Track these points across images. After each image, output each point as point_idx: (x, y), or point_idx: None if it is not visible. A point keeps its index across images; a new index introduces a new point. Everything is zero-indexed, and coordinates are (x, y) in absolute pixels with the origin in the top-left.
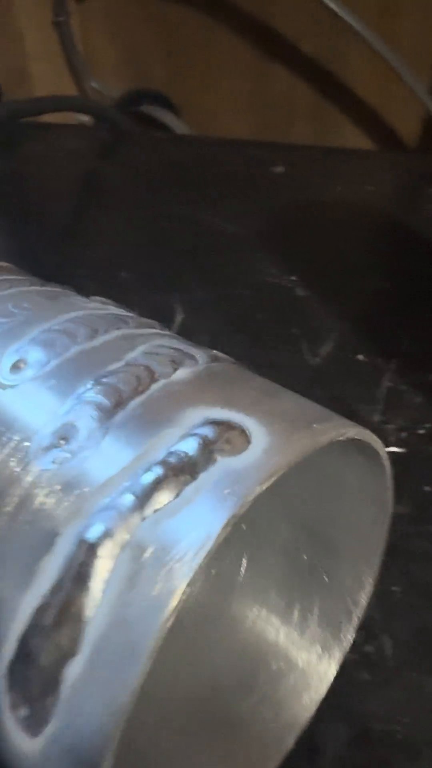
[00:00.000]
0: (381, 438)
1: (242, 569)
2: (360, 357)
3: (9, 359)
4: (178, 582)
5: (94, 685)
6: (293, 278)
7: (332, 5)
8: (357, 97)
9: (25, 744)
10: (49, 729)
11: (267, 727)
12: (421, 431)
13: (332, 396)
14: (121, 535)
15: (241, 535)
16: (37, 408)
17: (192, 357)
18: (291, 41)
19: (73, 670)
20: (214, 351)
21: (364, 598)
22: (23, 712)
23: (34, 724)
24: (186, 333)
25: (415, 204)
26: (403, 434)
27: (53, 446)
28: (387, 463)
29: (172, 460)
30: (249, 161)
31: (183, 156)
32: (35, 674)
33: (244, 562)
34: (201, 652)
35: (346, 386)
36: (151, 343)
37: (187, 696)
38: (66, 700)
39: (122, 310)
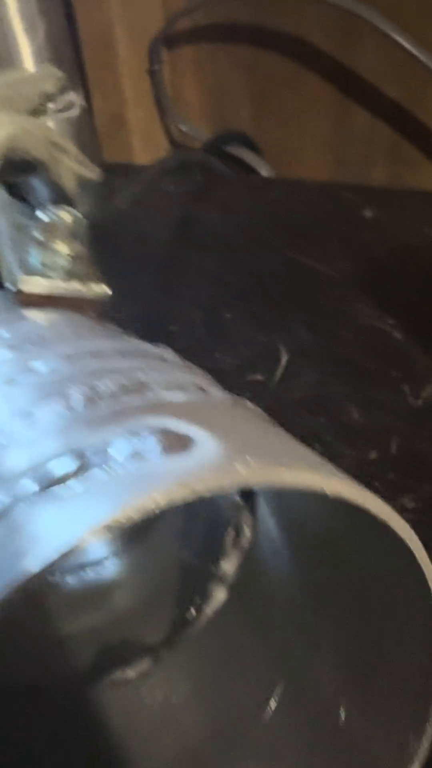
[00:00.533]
0: None
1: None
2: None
3: None
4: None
5: None
6: (390, 321)
7: (414, 50)
8: None
9: None
10: None
11: None
12: None
13: None
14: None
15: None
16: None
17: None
18: (372, 84)
19: None
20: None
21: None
22: None
23: None
24: (291, 374)
25: None
26: None
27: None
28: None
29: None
30: (339, 204)
31: (275, 198)
32: None
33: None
34: None
35: None
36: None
37: None
38: None
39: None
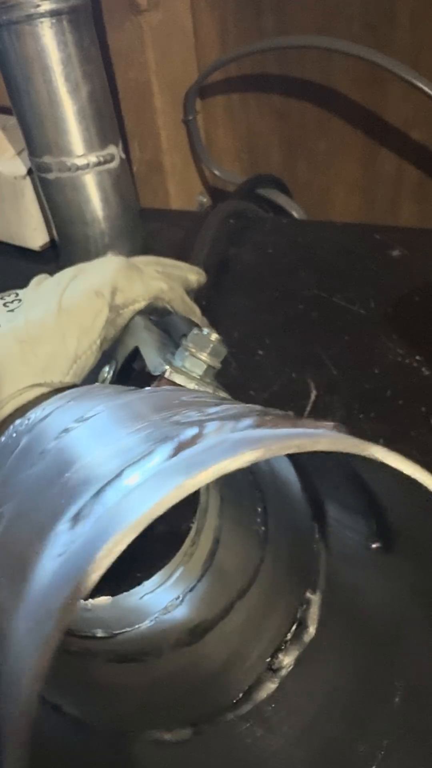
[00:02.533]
0: None
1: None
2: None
3: None
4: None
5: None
6: (419, 358)
7: None
8: None
9: None
10: None
11: None
12: None
13: None
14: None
15: None
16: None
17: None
18: (397, 128)
19: None
20: None
21: None
22: None
23: None
24: (321, 409)
25: None
26: None
27: None
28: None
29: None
30: (367, 244)
31: (306, 239)
32: None
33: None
34: None
35: None
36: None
37: None
38: None
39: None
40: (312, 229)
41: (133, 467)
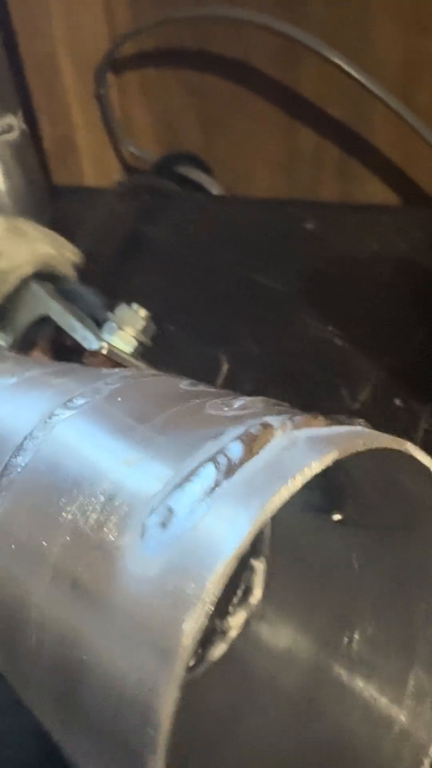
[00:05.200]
0: None
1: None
2: (397, 402)
3: None
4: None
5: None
6: (332, 330)
7: (354, 73)
8: (382, 156)
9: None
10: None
11: None
12: None
13: None
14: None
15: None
16: None
17: None
18: (316, 105)
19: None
20: None
21: None
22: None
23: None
24: (231, 383)
25: None
26: None
27: None
28: None
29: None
30: (283, 219)
31: (222, 216)
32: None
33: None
34: (306, 717)
35: (385, 430)
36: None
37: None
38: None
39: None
40: (228, 205)
41: (204, 472)
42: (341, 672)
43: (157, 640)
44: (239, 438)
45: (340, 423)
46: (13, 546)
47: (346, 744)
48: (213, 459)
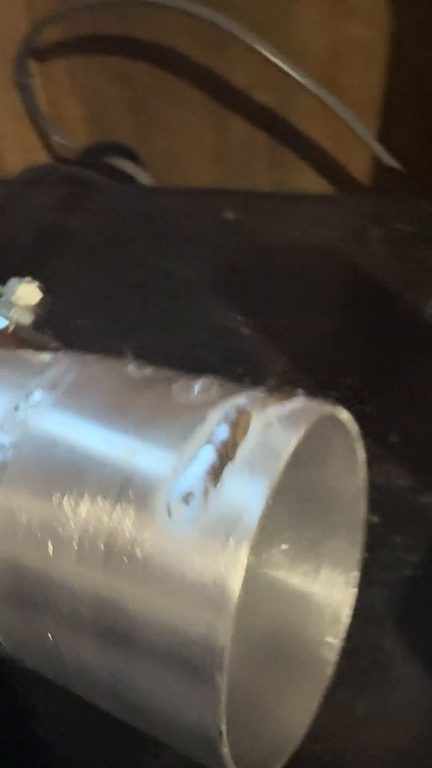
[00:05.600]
0: None
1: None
2: (300, 392)
3: None
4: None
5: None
6: (241, 319)
7: (277, 61)
8: (311, 143)
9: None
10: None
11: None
12: None
13: None
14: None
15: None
16: None
17: None
18: (244, 92)
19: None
20: None
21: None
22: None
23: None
24: None
25: (363, 244)
26: None
27: None
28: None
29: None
30: (204, 209)
31: (143, 206)
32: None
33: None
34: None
35: None
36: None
37: (252, 638)
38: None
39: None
40: (151, 194)
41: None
42: (269, 574)
43: (212, 591)
44: (224, 422)
45: (288, 397)
46: (21, 530)
47: (280, 629)
48: (209, 442)
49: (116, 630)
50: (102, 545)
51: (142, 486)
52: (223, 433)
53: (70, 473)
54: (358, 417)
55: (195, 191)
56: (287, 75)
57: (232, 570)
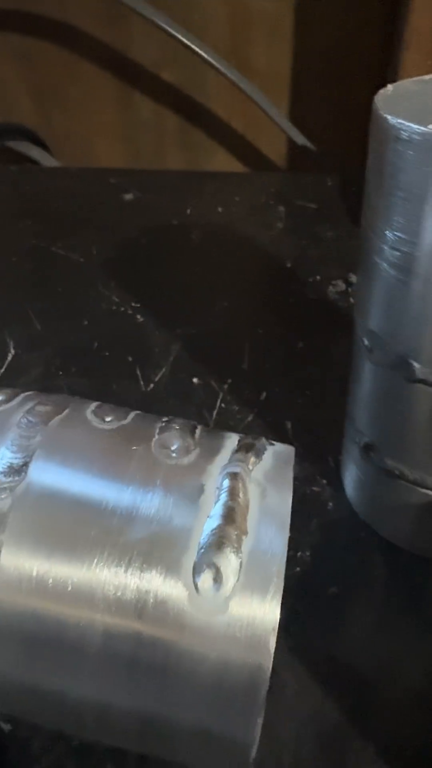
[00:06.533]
0: None
1: None
2: (195, 380)
3: None
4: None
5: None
6: (135, 305)
7: (182, 38)
8: (221, 123)
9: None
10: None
11: None
12: None
13: None
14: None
15: None
16: None
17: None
18: (149, 71)
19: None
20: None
21: None
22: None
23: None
24: (18, 368)
25: (265, 222)
26: None
27: None
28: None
29: (244, 445)
30: (101, 189)
31: (34, 187)
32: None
33: None
34: None
35: (178, 411)
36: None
37: None
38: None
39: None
40: (42, 176)
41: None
42: None
43: (249, 658)
44: (225, 491)
45: (264, 446)
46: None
47: None
48: (220, 515)
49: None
50: (135, 617)
51: (163, 559)
52: (228, 502)
53: (83, 547)
54: (254, 404)
55: (92, 171)
56: (193, 53)
57: (268, 644)
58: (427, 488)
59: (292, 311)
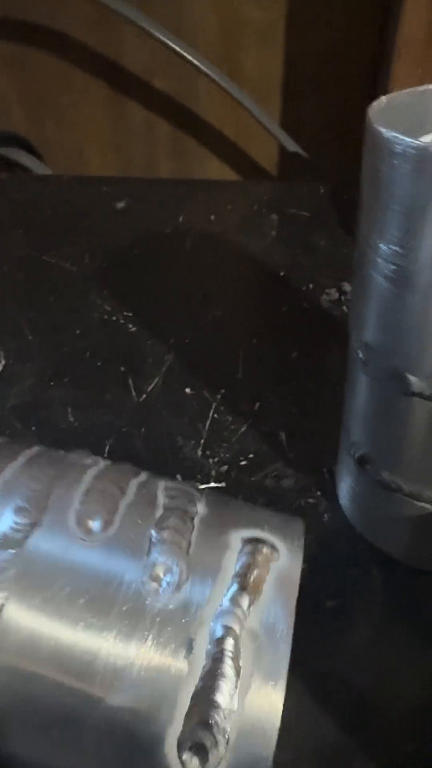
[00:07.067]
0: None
1: None
2: (188, 390)
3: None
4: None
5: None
6: (127, 314)
7: (174, 45)
8: (213, 130)
9: None
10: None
11: None
12: (243, 462)
13: (157, 433)
14: (238, 628)
15: None
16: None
17: (191, 494)
18: (141, 79)
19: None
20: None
21: None
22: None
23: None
24: (10, 378)
25: (258, 231)
26: (224, 468)
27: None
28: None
29: (242, 575)
30: (93, 198)
31: (25, 196)
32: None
33: None
34: None
35: (171, 422)
36: (160, 488)
37: None
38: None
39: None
40: (34, 184)
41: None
42: None
43: None
44: (213, 656)
45: (267, 567)
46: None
47: None
48: (207, 686)
49: None
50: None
51: (149, 735)
52: (214, 671)
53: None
54: (248, 415)
55: (83, 180)
56: (185, 60)
57: None
58: (423, 501)
59: (285, 320)
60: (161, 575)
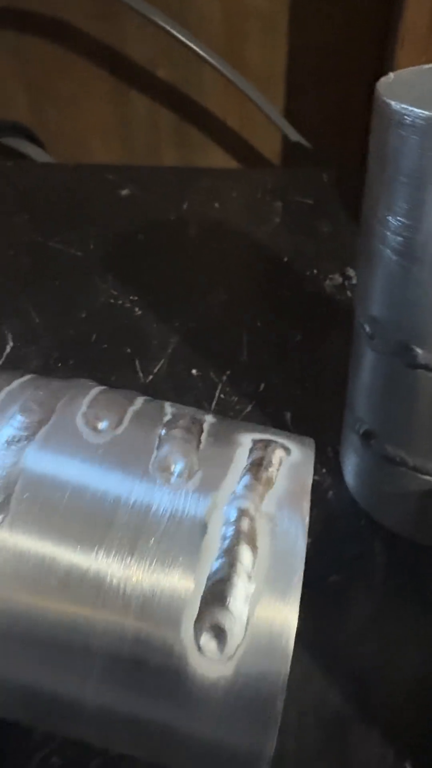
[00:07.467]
0: None
1: None
2: (194, 372)
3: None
4: (303, 519)
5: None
6: (133, 297)
7: (178, 34)
8: (216, 119)
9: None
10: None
11: None
12: None
13: None
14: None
15: None
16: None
17: (198, 409)
18: (144, 67)
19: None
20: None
21: None
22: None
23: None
24: (16, 361)
25: (262, 218)
26: None
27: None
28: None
29: (254, 466)
30: (97, 185)
31: (29, 183)
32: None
33: None
34: None
35: (178, 402)
36: (167, 403)
37: None
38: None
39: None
40: (39, 172)
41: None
42: None
43: (255, 721)
44: (229, 537)
45: (281, 460)
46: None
47: None
48: (224, 563)
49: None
50: (131, 679)
51: (162, 616)
52: (231, 548)
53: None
54: (253, 396)
55: (88, 167)
56: (188, 49)
57: (275, 706)
58: (428, 474)
59: (289, 304)
60: (171, 466)
